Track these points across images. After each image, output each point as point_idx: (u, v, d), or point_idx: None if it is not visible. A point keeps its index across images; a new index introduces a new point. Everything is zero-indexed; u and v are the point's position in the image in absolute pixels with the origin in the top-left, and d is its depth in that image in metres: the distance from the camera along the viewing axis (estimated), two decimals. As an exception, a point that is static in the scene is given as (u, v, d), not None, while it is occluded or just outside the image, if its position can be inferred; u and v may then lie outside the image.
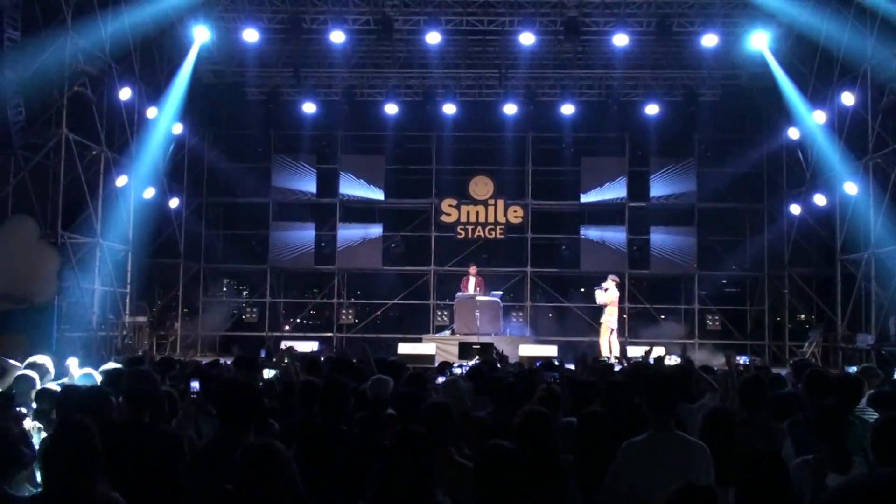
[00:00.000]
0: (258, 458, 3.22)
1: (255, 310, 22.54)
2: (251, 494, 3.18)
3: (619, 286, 18.64)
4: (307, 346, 16.81)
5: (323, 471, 4.52)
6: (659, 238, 21.87)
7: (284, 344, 15.42)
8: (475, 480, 3.68)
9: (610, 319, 18.15)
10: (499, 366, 10.48)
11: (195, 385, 5.82)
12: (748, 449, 3.77)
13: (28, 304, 14.07)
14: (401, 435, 3.82)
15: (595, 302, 18.57)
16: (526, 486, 3.63)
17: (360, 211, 22.80)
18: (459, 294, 19.52)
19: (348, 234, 22.29)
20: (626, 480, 4.33)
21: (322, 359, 9.21)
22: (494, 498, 3.58)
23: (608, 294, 18.15)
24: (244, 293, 24.82)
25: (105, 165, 16.95)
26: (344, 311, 22.27)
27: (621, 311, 21.20)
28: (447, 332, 20.02)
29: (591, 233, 22.04)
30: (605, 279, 18.33)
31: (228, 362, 10.18)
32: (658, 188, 21.96)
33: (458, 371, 10.45)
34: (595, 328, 19.57)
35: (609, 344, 17.94)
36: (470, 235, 22.18)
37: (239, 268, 23.03)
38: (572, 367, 10.40)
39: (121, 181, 17.69)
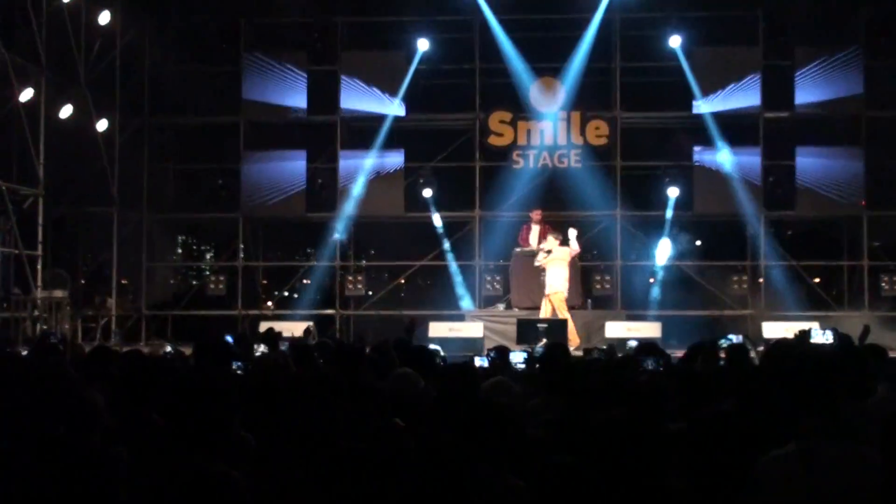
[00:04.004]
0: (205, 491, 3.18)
1: (222, 278, 22.53)
2: None
3: (578, 239, 18.80)
4: (297, 328, 16.81)
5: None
6: (809, 163, 21.57)
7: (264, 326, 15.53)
8: None
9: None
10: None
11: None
12: None
13: None
14: (424, 450, 3.77)
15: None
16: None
17: (372, 132, 22.66)
18: (518, 250, 19.41)
19: (354, 166, 22.21)
20: None
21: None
22: None
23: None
24: (207, 255, 24.95)
25: (-2, 72, 16.96)
26: (350, 279, 22.18)
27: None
28: (500, 306, 19.97)
29: (709, 157, 21.74)
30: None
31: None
32: (807, 91, 21.54)
33: (519, 359, 10.37)
34: (720, 299, 19.52)
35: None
36: (531, 164, 22.01)
37: (199, 218, 23.02)
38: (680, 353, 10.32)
39: (24, 95, 17.69)
